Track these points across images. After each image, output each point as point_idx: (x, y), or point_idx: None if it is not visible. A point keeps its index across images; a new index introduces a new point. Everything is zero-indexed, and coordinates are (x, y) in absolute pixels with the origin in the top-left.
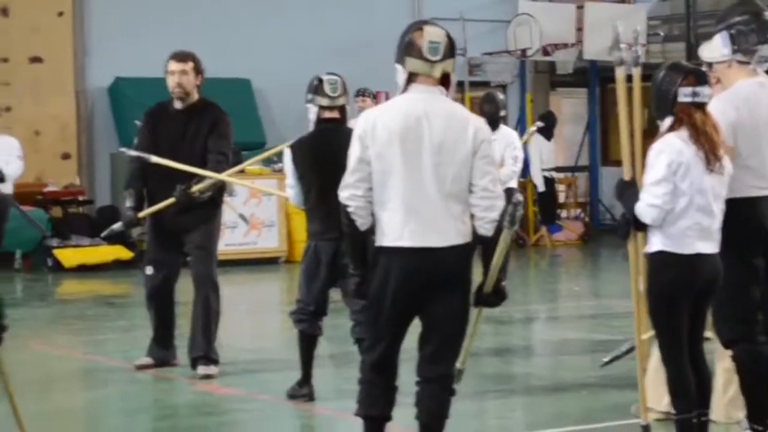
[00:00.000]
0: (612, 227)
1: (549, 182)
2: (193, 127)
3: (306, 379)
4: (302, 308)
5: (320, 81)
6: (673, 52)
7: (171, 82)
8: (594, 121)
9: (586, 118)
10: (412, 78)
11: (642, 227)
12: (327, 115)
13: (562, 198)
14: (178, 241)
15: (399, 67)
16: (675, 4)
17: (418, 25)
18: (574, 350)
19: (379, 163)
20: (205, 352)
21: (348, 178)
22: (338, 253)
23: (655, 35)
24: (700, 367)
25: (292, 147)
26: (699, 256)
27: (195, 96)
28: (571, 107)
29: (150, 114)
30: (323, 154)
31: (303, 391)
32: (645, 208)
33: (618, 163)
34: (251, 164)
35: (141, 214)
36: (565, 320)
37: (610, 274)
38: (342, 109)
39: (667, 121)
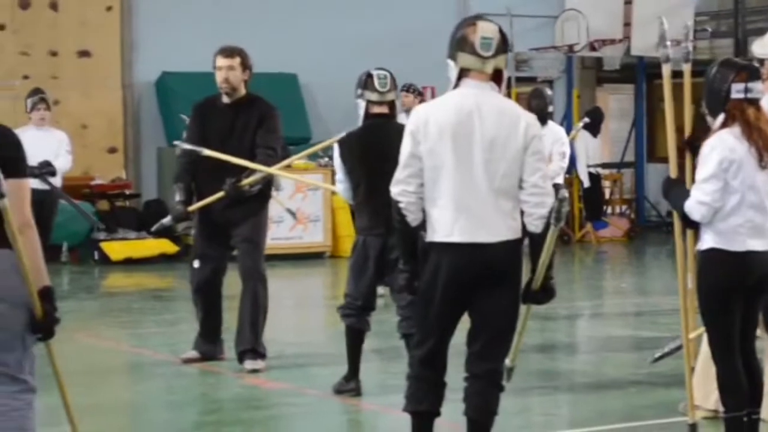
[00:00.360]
0: (658, 224)
1: (595, 178)
2: (242, 122)
3: (353, 373)
4: (350, 303)
5: (369, 76)
6: (720, 49)
7: (219, 77)
8: (640, 117)
9: (633, 115)
10: (464, 73)
11: (691, 225)
12: (376, 110)
13: (607, 194)
14: (225, 235)
15: (451, 62)
16: None
17: (471, 21)
18: (620, 347)
19: (430, 159)
20: (252, 346)
21: (399, 174)
22: (386, 249)
23: (702, 31)
24: (751, 365)
25: (341, 142)
26: (750, 254)
27: (242, 91)
28: (617, 103)
29: (198, 108)
30: (371, 150)
31: (350, 385)
32: (694, 205)
33: (664, 159)
34: (299, 158)
35: (191, 208)
36: (610, 317)
37: (656, 271)
38: (391, 104)
39: (720, 118)
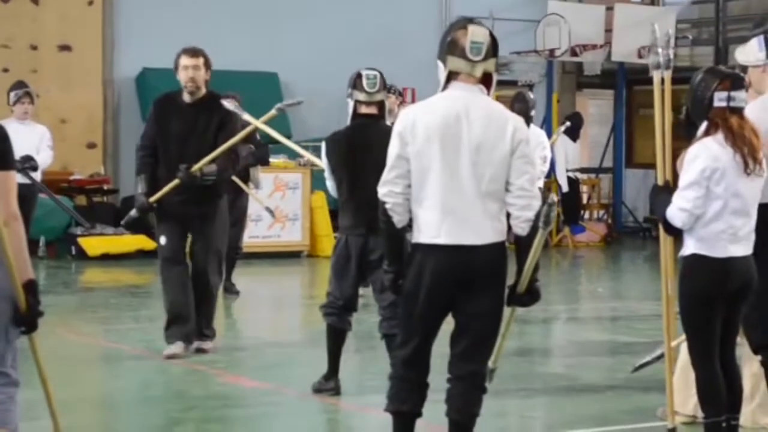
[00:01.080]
0: (635, 229)
1: (573, 183)
2: (202, 122)
3: (333, 373)
4: (332, 302)
5: (359, 76)
6: (701, 56)
7: (184, 76)
8: (620, 122)
9: (612, 120)
10: (452, 76)
11: (673, 232)
12: (364, 110)
13: (585, 199)
14: (183, 229)
15: (440, 64)
16: (704, 7)
17: (462, 24)
18: (597, 351)
19: (417, 161)
20: (201, 329)
21: (387, 175)
22: (367, 248)
23: (683, 38)
24: (731, 371)
25: (327, 140)
26: (732, 260)
27: (204, 90)
28: (596, 108)
29: (159, 104)
30: (355, 150)
31: (329, 385)
32: (675, 212)
33: (642, 165)
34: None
35: (152, 199)
36: (587, 321)
37: (632, 276)
38: (380, 105)
39: (703, 126)
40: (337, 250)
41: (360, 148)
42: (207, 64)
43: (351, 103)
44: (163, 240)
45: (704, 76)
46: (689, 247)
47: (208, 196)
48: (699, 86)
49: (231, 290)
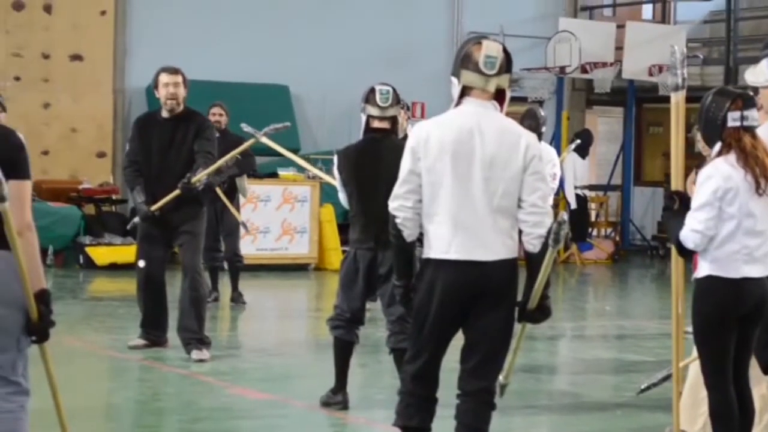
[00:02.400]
0: (643, 247)
1: (581, 200)
2: (180, 134)
3: (340, 386)
4: (339, 315)
5: (372, 91)
6: (711, 75)
7: (164, 93)
8: (629, 140)
9: (621, 138)
10: (466, 91)
11: (686, 254)
12: (376, 124)
13: (593, 216)
14: (165, 237)
15: (454, 79)
16: (715, 27)
17: (476, 40)
18: (604, 369)
19: (429, 176)
20: (197, 336)
21: (398, 189)
22: (375, 262)
23: (694, 57)
24: (743, 394)
25: (339, 154)
26: (746, 280)
27: (182, 106)
28: (606, 126)
29: (139, 122)
30: (366, 164)
31: (337, 398)
32: (688, 233)
33: (650, 183)
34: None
35: (153, 208)
36: (594, 339)
37: (639, 294)
38: (393, 120)
39: (717, 147)
40: (346, 264)
41: (371, 163)
42: (185, 82)
43: (364, 118)
44: (141, 263)
45: (715, 97)
46: (703, 269)
47: (191, 206)
48: (710, 107)
49: (238, 300)
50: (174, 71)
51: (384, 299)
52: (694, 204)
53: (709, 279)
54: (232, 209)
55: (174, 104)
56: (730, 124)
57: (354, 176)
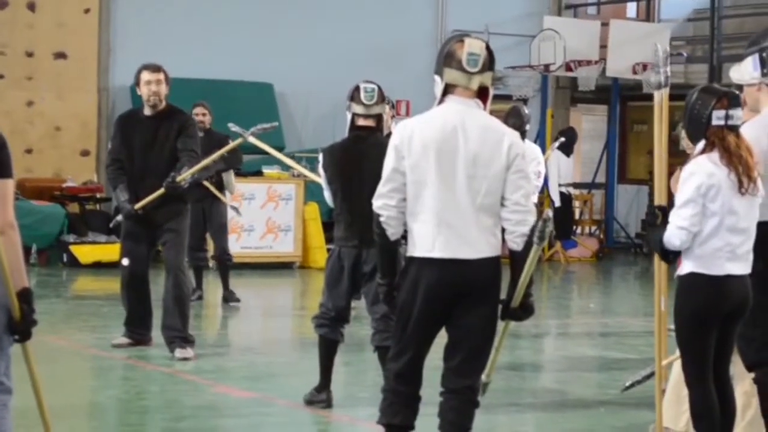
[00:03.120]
0: (627, 245)
1: (566, 198)
2: (163, 132)
3: (325, 384)
4: (324, 313)
5: (357, 89)
6: (695, 73)
7: (147, 91)
8: (613, 138)
9: (605, 136)
10: (449, 89)
11: (670, 260)
12: (361, 122)
13: (577, 214)
14: (149, 235)
15: (437, 77)
16: (699, 25)
17: (459, 38)
18: (588, 367)
19: (413, 174)
20: (181, 334)
21: (382, 188)
22: (360, 260)
23: (677, 55)
24: (725, 390)
25: (324, 152)
26: (729, 278)
27: (164, 103)
28: (590, 124)
29: (121, 120)
30: (350, 162)
31: (321, 397)
32: (673, 230)
33: (635, 181)
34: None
35: (137, 206)
36: (579, 337)
37: (623, 291)
38: (378, 118)
39: (700, 144)
40: (331, 262)
41: (356, 161)
42: (167, 79)
43: (349, 116)
44: (125, 261)
45: (700, 94)
46: (687, 266)
47: (175, 204)
48: (695, 105)
49: (231, 298)
50: (156, 68)
51: (368, 297)
52: (678, 201)
53: (692, 276)
54: (221, 196)
55: (156, 101)
56: (715, 122)
57: (338, 174)
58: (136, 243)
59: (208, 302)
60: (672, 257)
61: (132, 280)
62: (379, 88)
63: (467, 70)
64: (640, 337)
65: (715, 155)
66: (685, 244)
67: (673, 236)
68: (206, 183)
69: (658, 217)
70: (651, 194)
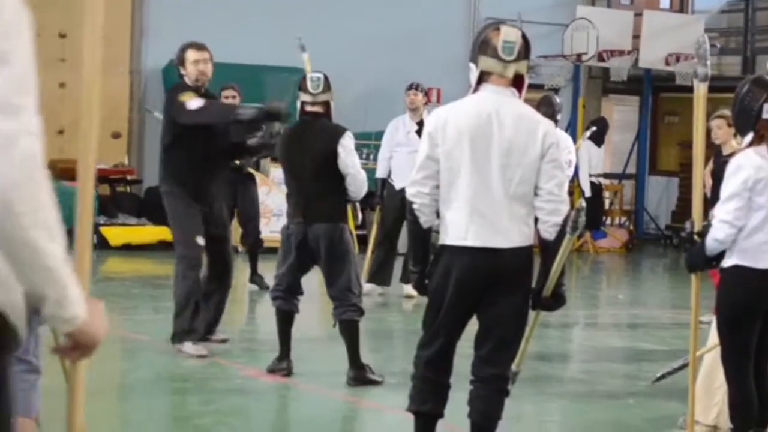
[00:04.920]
0: (657, 236)
1: (596, 188)
2: None
3: (285, 354)
4: (276, 286)
5: (304, 79)
6: (728, 65)
7: (194, 70)
8: (644, 129)
9: (637, 126)
10: (484, 77)
11: (709, 264)
12: (308, 109)
13: (607, 205)
14: (200, 213)
15: (472, 65)
16: (733, 17)
17: (494, 25)
18: (618, 358)
19: (447, 162)
20: (218, 317)
21: (415, 175)
22: (306, 236)
23: (711, 47)
24: (763, 384)
25: (280, 135)
26: None
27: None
28: (621, 114)
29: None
30: (293, 145)
31: (281, 365)
32: (717, 224)
33: (665, 173)
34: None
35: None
36: (607, 328)
37: (652, 283)
38: (325, 105)
39: (748, 137)
40: (283, 237)
41: (300, 144)
42: (212, 58)
43: (299, 104)
44: (201, 241)
45: (751, 87)
46: (731, 259)
47: (219, 187)
48: (746, 96)
49: (261, 284)
50: (201, 47)
51: (324, 273)
52: (723, 194)
53: (737, 269)
54: (264, 177)
55: (204, 80)
56: (766, 116)
57: (286, 156)
58: (200, 222)
59: (237, 286)
60: (714, 263)
61: (199, 259)
62: (326, 78)
63: (502, 58)
64: (669, 329)
65: (763, 148)
66: (729, 237)
67: (718, 229)
68: (251, 170)
69: (695, 242)
70: (682, 186)
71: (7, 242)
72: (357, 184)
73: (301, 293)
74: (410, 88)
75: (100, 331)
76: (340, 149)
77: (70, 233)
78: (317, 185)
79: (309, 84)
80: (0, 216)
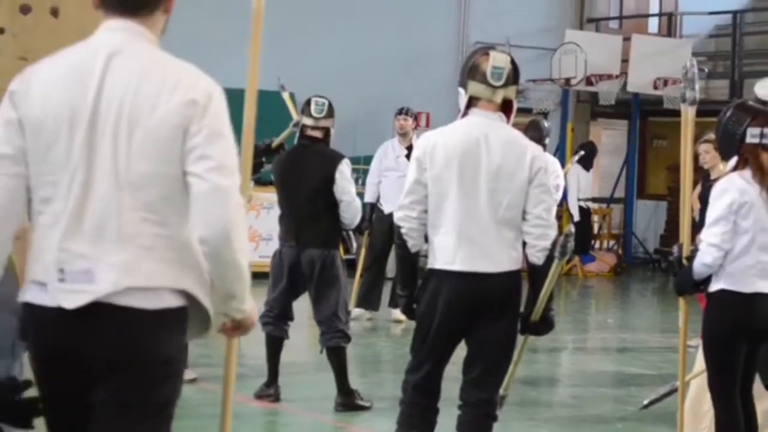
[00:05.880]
0: (645, 260)
1: (585, 212)
2: None
3: (272, 380)
4: (267, 311)
5: (308, 102)
6: (716, 89)
7: None
8: (633, 153)
9: (625, 150)
10: (473, 102)
11: (698, 289)
12: (309, 133)
13: (595, 229)
14: None
15: (461, 90)
16: (721, 41)
17: (484, 50)
18: (606, 382)
19: (435, 186)
20: None
21: (403, 200)
22: (299, 261)
23: (699, 71)
24: (748, 408)
25: (276, 158)
26: (760, 296)
27: None
28: (610, 138)
29: None
30: (291, 169)
31: (269, 391)
32: (705, 248)
33: (654, 197)
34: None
35: (275, 144)
36: (596, 352)
37: (641, 307)
38: (325, 131)
39: (732, 161)
40: (273, 261)
41: (296, 168)
42: None
43: (298, 127)
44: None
45: (735, 112)
46: (717, 283)
47: None
48: (729, 121)
49: None
50: None
51: (312, 298)
52: (708, 218)
53: (723, 293)
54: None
55: None
56: (749, 140)
57: (281, 179)
58: None
59: None
60: (702, 287)
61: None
62: (329, 103)
63: (491, 84)
64: (658, 353)
65: (747, 173)
66: (716, 261)
67: (704, 254)
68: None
69: (683, 266)
70: (670, 209)
71: (223, 263)
72: (351, 211)
73: (292, 318)
74: (399, 113)
75: (255, 318)
76: (338, 175)
77: None
78: (312, 210)
79: (313, 107)
80: (221, 246)
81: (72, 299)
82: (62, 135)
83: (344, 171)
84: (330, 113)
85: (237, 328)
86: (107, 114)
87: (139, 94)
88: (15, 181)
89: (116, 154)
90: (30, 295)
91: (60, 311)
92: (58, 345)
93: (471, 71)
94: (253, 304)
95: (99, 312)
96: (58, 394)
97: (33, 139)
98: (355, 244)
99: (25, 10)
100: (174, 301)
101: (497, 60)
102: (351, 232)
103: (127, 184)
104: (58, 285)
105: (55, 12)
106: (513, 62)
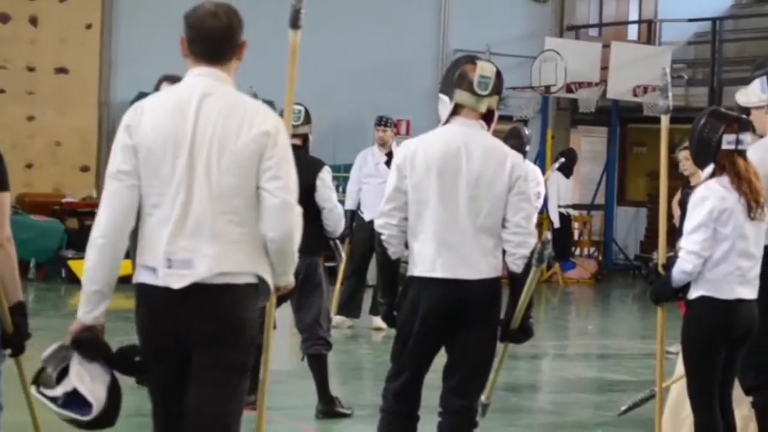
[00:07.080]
0: (626, 267)
1: (565, 219)
2: None
3: (254, 386)
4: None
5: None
6: (695, 96)
7: None
8: (613, 160)
9: (605, 157)
10: (456, 110)
11: (675, 296)
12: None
13: (576, 236)
14: None
15: (445, 98)
16: (700, 48)
17: (470, 59)
18: (587, 388)
19: (415, 194)
20: None
21: (384, 207)
22: None
23: (678, 78)
24: (727, 414)
25: None
26: (739, 302)
27: None
28: (590, 145)
29: None
30: None
31: (250, 398)
32: (685, 256)
33: (634, 203)
34: None
35: None
36: (576, 358)
37: (621, 314)
38: (304, 137)
39: (709, 168)
40: None
41: None
42: None
43: None
44: None
45: (709, 119)
46: (697, 290)
47: None
48: (704, 128)
49: None
50: (176, 80)
51: (293, 306)
52: (688, 226)
53: (703, 300)
54: None
55: None
56: (725, 146)
57: None
58: None
59: None
60: (681, 294)
61: None
62: (306, 110)
63: (477, 93)
64: (638, 359)
65: (725, 179)
66: (696, 268)
67: (684, 261)
68: None
69: (659, 275)
70: (650, 216)
71: (284, 254)
72: (333, 218)
73: (275, 327)
74: (379, 123)
75: (293, 286)
76: (319, 182)
77: (39, 267)
78: None
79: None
80: (285, 244)
81: (177, 281)
82: (168, 156)
83: (325, 178)
84: (307, 119)
85: (279, 295)
86: (202, 141)
87: (226, 126)
88: (131, 191)
89: (209, 172)
90: (143, 277)
91: (167, 290)
92: (166, 316)
93: (458, 80)
94: (292, 277)
95: (198, 291)
96: (163, 356)
97: (145, 159)
98: (343, 255)
99: (4, 19)
100: (251, 279)
101: (484, 69)
102: (338, 242)
103: (217, 195)
104: (167, 270)
105: (34, 21)
106: (498, 72)
